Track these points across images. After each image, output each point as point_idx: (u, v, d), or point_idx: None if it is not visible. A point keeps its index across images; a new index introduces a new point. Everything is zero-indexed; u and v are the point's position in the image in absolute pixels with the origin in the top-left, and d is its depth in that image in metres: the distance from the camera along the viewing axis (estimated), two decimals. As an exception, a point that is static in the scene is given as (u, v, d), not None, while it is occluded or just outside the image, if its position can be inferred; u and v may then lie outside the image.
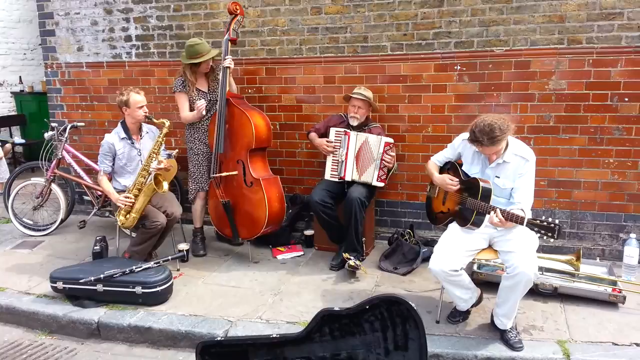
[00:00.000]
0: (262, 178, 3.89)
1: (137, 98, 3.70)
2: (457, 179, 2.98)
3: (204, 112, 3.97)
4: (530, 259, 2.64)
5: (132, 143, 3.80)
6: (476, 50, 3.92)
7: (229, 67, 3.92)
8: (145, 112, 3.74)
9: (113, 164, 3.80)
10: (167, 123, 3.73)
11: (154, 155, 3.68)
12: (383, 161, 3.83)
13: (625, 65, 3.65)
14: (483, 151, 2.80)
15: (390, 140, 3.87)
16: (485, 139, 2.68)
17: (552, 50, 3.77)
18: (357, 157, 3.88)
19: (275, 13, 4.35)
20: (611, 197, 3.83)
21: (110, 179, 3.85)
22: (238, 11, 3.95)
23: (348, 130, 3.90)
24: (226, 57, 3.92)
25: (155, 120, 3.77)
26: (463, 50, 3.95)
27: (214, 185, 4.05)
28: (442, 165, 3.20)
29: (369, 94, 3.94)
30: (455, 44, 3.96)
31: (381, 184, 3.89)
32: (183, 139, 4.60)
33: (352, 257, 3.65)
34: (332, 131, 3.96)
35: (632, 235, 3.49)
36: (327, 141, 3.96)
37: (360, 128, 3.97)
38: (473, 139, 2.74)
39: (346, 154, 3.89)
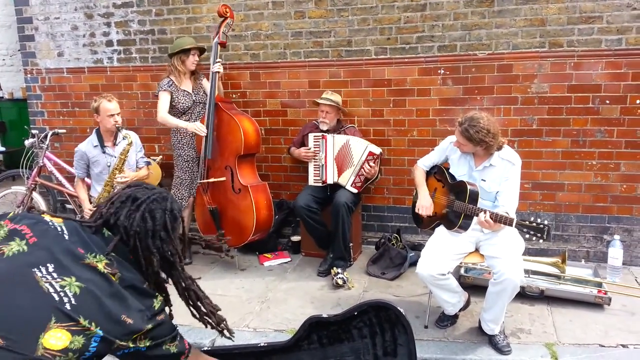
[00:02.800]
0: (250, 185, 3.86)
1: (108, 106, 3.61)
2: (431, 215, 3.01)
3: (200, 133, 3.85)
4: (516, 265, 2.65)
5: (105, 151, 3.73)
6: (459, 54, 3.95)
7: (218, 72, 3.88)
8: (116, 122, 3.64)
9: (88, 171, 3.75)
10: (132, 139, 3.65)
11: (116, 171, 3.61)
12: (362, 169, 3.79)
13: (606, 68, 3.70)
14: (456, 135, 2.81)
15: (376, 150, 3.80)
16: (466, 124, 2.69)
17: (533, 54, 3.81)
18: (336, 159, 3.88)
19: (258, 17, 4.32)
20: (595, 199, 3.88)
21: (89, 186, 3.80)
22: (228, 14, 3.91)
23: (325, 134, 3.91)
24: (216, 62, 3.89)
25: (122, 132, 3.66)
26: (446, 54, 3.97)
27: (201, 191, 4.01)
28: (428, 170, 3.20)
29: (337, 98, 3.95)
30: (439, 47, 3.98)
31: (355, 191, 3.84)
32: (167, 145, 4.54)
33: (339, 271, 3.62)
34: (311, 137, 3.97)
35: (616, 237, 3.54)
36: (306, 149, 3.95)
37: (335, 131, 3.97)
38: (460, 120, 2.76)
39: (325, 157, 3.89)
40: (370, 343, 2.45)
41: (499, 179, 2.83)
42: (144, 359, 1.50)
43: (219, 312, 1.94)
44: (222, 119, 3.89)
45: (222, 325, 1.98)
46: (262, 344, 2.52)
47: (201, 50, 4.06)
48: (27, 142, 4.58)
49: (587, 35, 3.69)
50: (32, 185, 4.56)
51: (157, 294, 1.57)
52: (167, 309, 1.69)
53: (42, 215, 1.52)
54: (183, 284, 1.75)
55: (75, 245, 1.44)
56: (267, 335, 3.01)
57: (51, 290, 1.31)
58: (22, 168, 4.66)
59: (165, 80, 4.00)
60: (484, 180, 2.86)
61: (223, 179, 3.90)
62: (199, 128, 3.84)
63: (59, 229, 1.47)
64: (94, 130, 3.77)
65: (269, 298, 3.50)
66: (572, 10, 3.68)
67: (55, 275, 1.34)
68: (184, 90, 4.02)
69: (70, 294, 1.33)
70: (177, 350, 1.57)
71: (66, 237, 1.45)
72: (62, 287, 1.33)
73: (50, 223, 1.48)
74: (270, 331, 3.06)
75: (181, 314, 3.38)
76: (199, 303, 1.85)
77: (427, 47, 4.00)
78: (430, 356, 2.76)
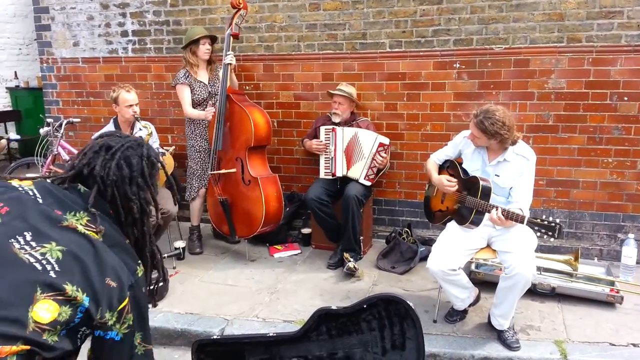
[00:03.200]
0: (260, 177, 3.86)
1: (126, 96, 3.65)
2: (455, 181, 2.94)
3: (209, 118, 3.93)
4: (529, 260, 2.63)
5: None
6: (475, 48, 3.90)
7: (230, 64, 3.89)
8: (135, 112, 3.68)
9: None
10: (151, 130, 3.67)
11: None
12: (374, 161, 3.79)
13: (625, 64, 3.63)
14: (470, 127, 2.79)
15: (386, 140, 3.82)
16: (482, 116, 2.67)
17: (551, 49, 3.75)
18: (345, 152, 3.88)
19: (273, 9, 4.31)
20: (610, 197, 3.82)
21: None
22: (241, 5, 3.87)
23: (335, 127, 3.90)
24: (227, 54, 3.88)
25: (141, 123, 3.70)
26: (462, 48, 3.93)
27: (212, 182, 4.03)
28: (441, 164, 3.18)
29: (350, 89, 3.93)
30: (455, 41, 3.94)
31: (368, 183, 3.85)
32: (180, 136, 4.57)
33: (351, 260, 3.63)
34: (322, 129, 3.97)
35: (630, 236, 3.49)
36: (317, 142, 3.95)
37: (347, 124, 3.96)
38: (475, 112, 2.74)
39: (335, 150, 3.89)
40: (378, 336, 2.45)
41: (513, 174, 2.80)
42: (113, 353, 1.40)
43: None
44: (233, 110, 3.90)
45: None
46: (271, 334, 2.53)
47: (212, 39, 4.06)
48: (42, 131, 4.64)
49: (606, 31, 3.63)
50: (47, 173, 4.62)
51: (139, 261, 1.49)
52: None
53: (10, 181, 1.42)
54: (148, 238, 1.63)
55: (52, 207, 1.35)
56: (276, 325, 3.03)
57: (32, 260, 1.24)
58: (37, 156, 4.72)
59: (182, 72, 4.02)
60: (498, 176, 2.83)
61: (233, 170, 3.91)
62: (207, 111, 3.93)
63: (31, 193, 1.38)
64: (112, 120, 3.80)
65: (279, 289, 3.52)
66: (592, 5, 3.62)
67: (33, 244, 1.27)
68: (200, 82, 4.03)
69: (52, 261, 1.26)
70: (143, 351, 1.46)
71: (40, 200, 1.36)
72: (42, 254, 1.25)
73: (20, 188, 1.39)
74: (279, 322, 3.07)
75: (191, 302, 3.43)
76: (155, 262, 1.69)
77: (443, 40, 3.96)
78: (438, 350, 2.75)
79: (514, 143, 2.78)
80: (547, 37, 3.74)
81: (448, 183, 2.95)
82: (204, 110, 4.04)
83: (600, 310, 3.09)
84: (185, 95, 4.00)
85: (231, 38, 3.91)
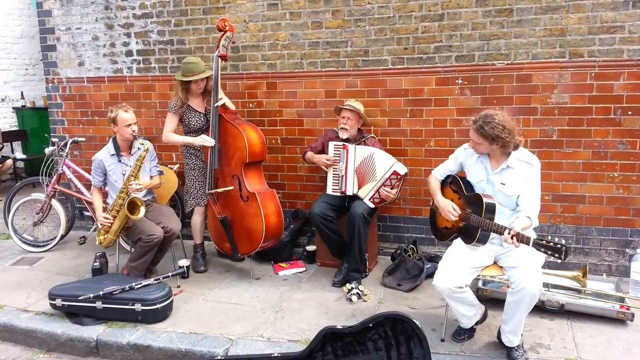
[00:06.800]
0: (258, 192, 3.85)
1: (125, 116, 3.67)
2: (459, 212, 2.89)
3: (208, 144, 3.90)
4: (534, 274, 2.60)
5: (120, 160, 3.77)
6: (477, 63, 3.91)
7: (218, 107, 3.86)
8: (134, 131, 3.70)
9: (105, 179, 3.79)
10: (147, 146, 3.69)
11: (132, 178, 3.63)
12: (383, 186, 3.71)
13: (628, 79, 3.63)
14: (470, 134, 2.79)
15: (401, 170, 3.69)
16: (481, 122, 2.68)
17: (553, 64, 3.76)
18: (357, 171, 3.84)
19: (275, 27, 4.35)
20: (617, 211, 3.79)
21: (106, 194, 3.84)
22: (227, 28, 3.92)
23: (346, 144, 3.87)
24: (219, 97, 3.87)
25: (138, 141, 3.72)
26: (464, 64, 3.94)
27: (211, 201, 4.02)
28: (443, 179, 3.15)
29: (359, 105, 3.91)
30: (457, 57, 3.95)
31: (372, 205, 3.78)
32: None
33: (353, 286, 3.57)
34: (331, 145, 3.93)
35: (639, 251, 3.45)
36: (326, 157, 3.93)
37: (355, 141, 3.94)
38: (474, 119, 2.75)
39: (346, 168, 3.86)
40: (385, 356, 2.42)
41: (519, 181, 2.77)
42: None
43: None
44: (227, 129, 3.90)
45: None
46: (275, 355, 2.50)
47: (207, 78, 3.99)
48: (47, 150, 4.67)
49: (608, 45, 3.64)
50: (52, 193, 4.63)
51: None
52: None
53: None
54: None
55: None
56: (281, 345, 2.99)
57: None
58: (42, 175, 4.74)
59: (176, 102, 3.98)
60: (504, 184, 2.80)
61: (231, 188, 3.91)
62: (205, 140, 3.87)
63: None
64: (111, 139, 3.81)
65: (284, 308, 3.48)
66: (593, 20, 3.63)
67: None
68: (196, 111, 4.02)
69: None
70: None
71: None
72: None
73: None
74: (284, 341, 3.03)
75: (195, 321, 3.40)
76: None
77: (445, 57, 3.97)
78: (446, 370, 2.71)
79: (516, 147, 2.76)
80: (549, 52, 3.75)
81: (452, 211, 2.89)
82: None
83: (610, 328, 3.04)
84: (169, 122, 3.99)
85: (219, 60, 3.92)
